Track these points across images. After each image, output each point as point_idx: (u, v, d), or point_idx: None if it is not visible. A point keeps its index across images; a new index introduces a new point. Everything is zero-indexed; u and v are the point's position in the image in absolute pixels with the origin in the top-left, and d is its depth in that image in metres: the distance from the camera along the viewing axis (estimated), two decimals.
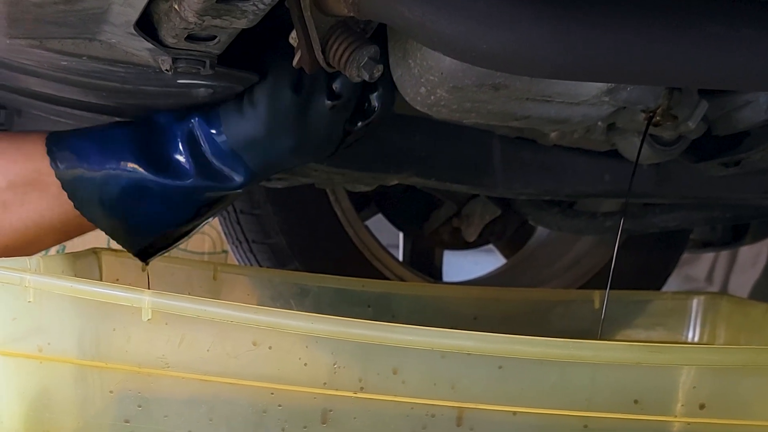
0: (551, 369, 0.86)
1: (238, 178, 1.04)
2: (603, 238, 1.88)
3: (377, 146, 1.28)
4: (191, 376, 0.85)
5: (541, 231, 2.05)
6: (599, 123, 1.13)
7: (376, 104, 1.07)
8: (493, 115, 1.02)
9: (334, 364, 0.85)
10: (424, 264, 2.02)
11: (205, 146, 1.03)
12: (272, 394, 0.86)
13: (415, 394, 0.87)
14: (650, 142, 1.15)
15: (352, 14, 0.85)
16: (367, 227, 1.88)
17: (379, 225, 1.99)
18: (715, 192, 1.38)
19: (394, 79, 0.99)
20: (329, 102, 1.03)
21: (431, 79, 0.94)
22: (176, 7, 0.81)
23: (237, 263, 1.84)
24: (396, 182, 1.34)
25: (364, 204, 1.94)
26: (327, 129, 1.04)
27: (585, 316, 1.44)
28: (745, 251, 3.15)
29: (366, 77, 0.88)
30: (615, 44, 0.80)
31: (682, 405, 0.89)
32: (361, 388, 0.86)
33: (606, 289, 1.49)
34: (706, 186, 1.36)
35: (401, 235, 2.06)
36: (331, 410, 0.87)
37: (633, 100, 0.99)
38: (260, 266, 1.76)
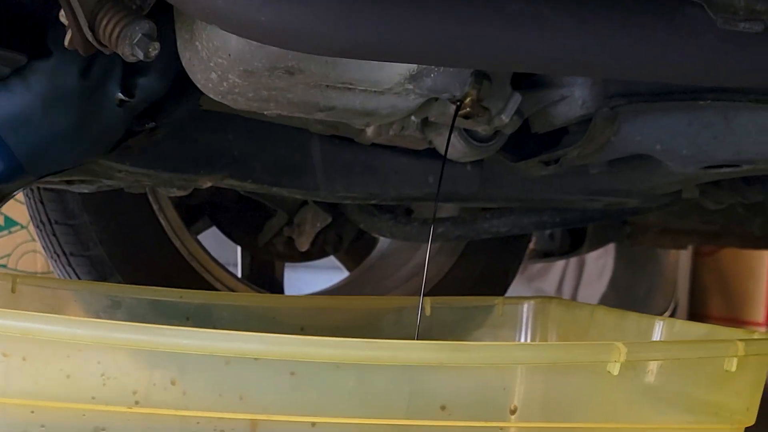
0: (348, 373, 0.79)
1: None
2: (442, 248, 1.84)
3: (186, 146, 1.20)
4: None
5: (383, 242, 2.00)
6: (413, 118, 1.08)
7: (170, 111, 0.98)
8: (294, 105, 0.96)
9: (102, 375, 0.75)
10: (264, 279, 1.94)
11: None
12: (32, 412, 0.76)
13: (199, 406, 0.78)
14: (466, 138, 1.11)
15: None
16: (197, 240, 1.78)
17: (223, 240, 1.90)
18: (540, 193, 1.35)
19: (183, 64, 0.92)
20: (120, 96, 0.94)
21: (220, 63, 0.87)
22: None
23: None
24: (210, 184, 1.25)
25: (197, 216, 1.84)
26: (109, 123, 0.95)
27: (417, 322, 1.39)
28: (592, 265, 3.21)
29: (140, 55, 0.80)
30: (407, 21, 0.75)
31: (493, 409, 0.84)
32: (137, 402, 0.77)
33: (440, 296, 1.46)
34: (530, 187, 1.34)
35: (239, 249, 1.97)
36: (103, 429, 0.78)
37: (438, 88, 0.94)
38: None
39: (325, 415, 0.81)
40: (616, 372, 0.79)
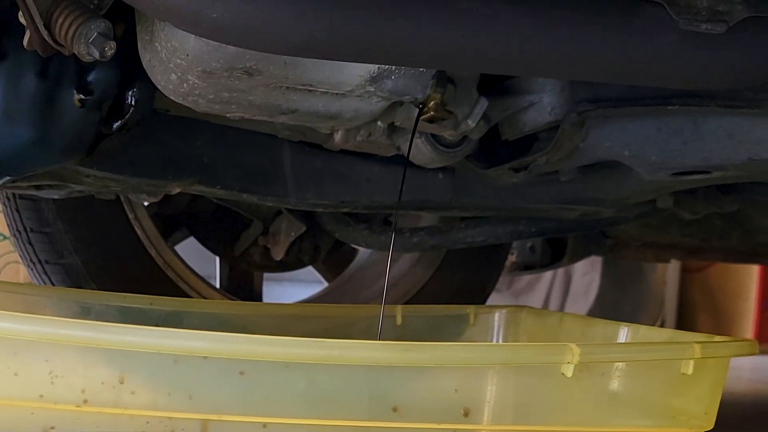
0: (298, 373, 0.78)
1: None
2: (420, 259, 1.84)
3: (154, 151, 1.19)
4: None
5: (362, 253, 1.99)
6: (379, 123, 1.08)
7: (133, 103, 0.98)
8: (256, 108, 0.95)
9: (50, 373, 0.75)
10: (242, 289, 1.93)
11: None
12: None
13: (148, 405, 0.78)
14: (432, 143, 1.11)
15: None
16: (174, 250, 1.77)
17: (204, 253, 1.89)
18: (513, 202, 1.35)
19: (144, 65, 0.91)
20: (79, 95, 0.94)
21: (179, 63, 0.87)
22: None
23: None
24: (179, 190, 1.25)
25: (174, 226, 1.83)
26: (76, 126, 0.95)
27: (387, 331, 1.38)
28: (578, 281, 3.20)
29: (96, 55, 0.80)
30: (361, 19, 0.75)
31: (446, 411, 0.83)
32: (85, 401, 0.77)
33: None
34: (502, 196, 1.33)
35: (217, 259, 1.96)
36: (52, 427, 0.77)
37: (399, 91, 0.94)
38: None
39: (276, 416, 0.80)
40: (569, 374, 0.79)
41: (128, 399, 0.77)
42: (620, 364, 0.83)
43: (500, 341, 1.36)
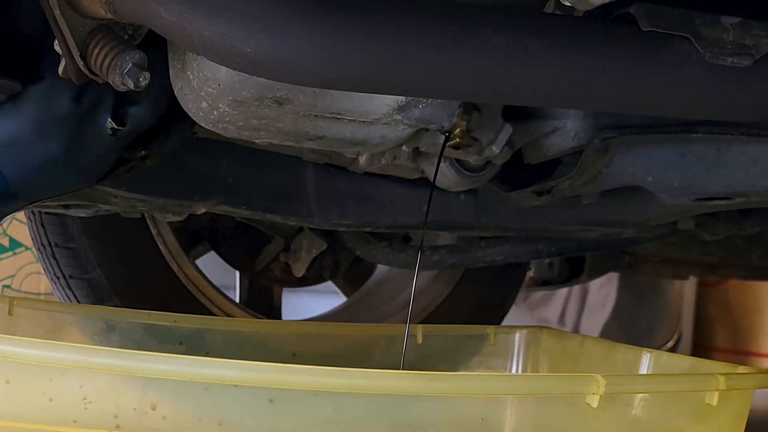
0: (325, 401, 0.79)
1: None
2: (439, 275, 1.84)
3: (181, 172, 1.21)
4: None
5: (381, 268, 2.00)
6: (404, 148, 1.09)
7: (164, 137, 1.00)
8: (285, 134, 0.97)
9: (84, 399, 0.76)
10: (262, 303, 1.94)
11: None
12: None
13: (179, 431, 0.79)
14: (457, 168, 1.12)
15: (110, 15, 0.78)
16: (195, 265, 1.79)
17: (222, 264, 1.91)
18: (534, 223, 1.36)
19: (176, 93, 0.93)
20: (112, 123, 0.96)
21: (210, 92, 0.88)
22: None
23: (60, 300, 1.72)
24: (204, 211, 1.26)
25: (195, 241, 1.85)
26: (101, 151, 0.96)
27: (409, 349, 1.39)
28: (595, 294, 3.20)
29: (131, 85, 0.81)
30: (392, 54, 0.76)
31: None
32: (117, 426, 0.78)
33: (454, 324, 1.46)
34: (524, 217, 1.34)
35: (237, 273, 1.98)
36: None
37: (426, 119, 0.95)
38: (78, 303, 1.65)
39: None
40: (595, 404, 0.79)
41: (159, 424, 0.78)
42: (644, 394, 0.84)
43: (520, 363, 1.37)
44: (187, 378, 0.76)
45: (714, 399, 0.84)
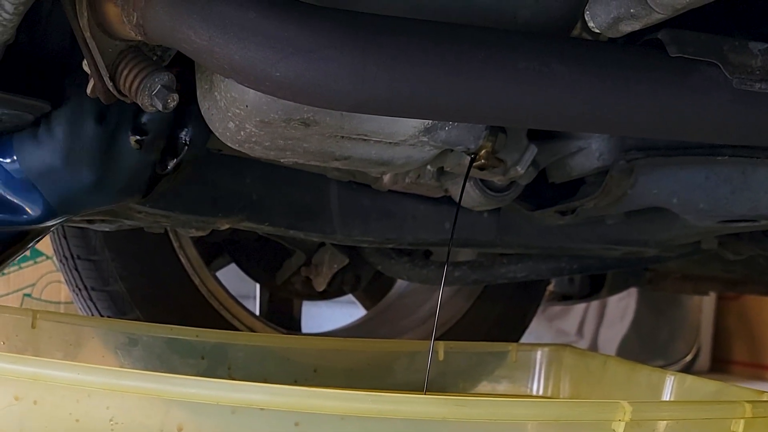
0: (352, 425, 0.79)
1: (33, 211, 0.97)
2: (460, 290, 1.84)
3: (204, 188, 1.21)
4: None
5: (401, 282, 2.00)
6: (428, 167, 1.10)
7: (187, 142, 1.00)
8: (311, 155, 0.97)
9: (111, 420, 0.76)
10: (281, 316, 1.95)
11: None
12: None
13: None
14: (481, 188, 1.12)
15: (139, 38, 0.79)
16: (216, 277, 1.79)
17: (243, 274, 1.91)
18: (557, 242, 1.35)
19: (203, 112, 0.93)
20: (134, 137, 0.97)
21: (238, 113, 0.89)
22: None
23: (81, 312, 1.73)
24: (227, 226, 1.27)
25: (216, 253, 1.86)
26: (134, 167, 0.97)
27: (430, 367, 1.39)
28: (613, 306, 3.18)
29: (159, 106, 0.82)
30: (421, 78, 0.76)
31: None
32: None
33: (465, 340, 1.46)
34: (546, 235, 1.34)
35: (257, 286, 1.98)
36: None
37: (452, 141, 0.95)
38: (101, 315, 1.66)
39: None
40: (620, 431, 0.79)
41: None
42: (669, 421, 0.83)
43: (541, 381, 1.37)
44: (214, 401, 0.76)
45: (740, 427, 0.83)
